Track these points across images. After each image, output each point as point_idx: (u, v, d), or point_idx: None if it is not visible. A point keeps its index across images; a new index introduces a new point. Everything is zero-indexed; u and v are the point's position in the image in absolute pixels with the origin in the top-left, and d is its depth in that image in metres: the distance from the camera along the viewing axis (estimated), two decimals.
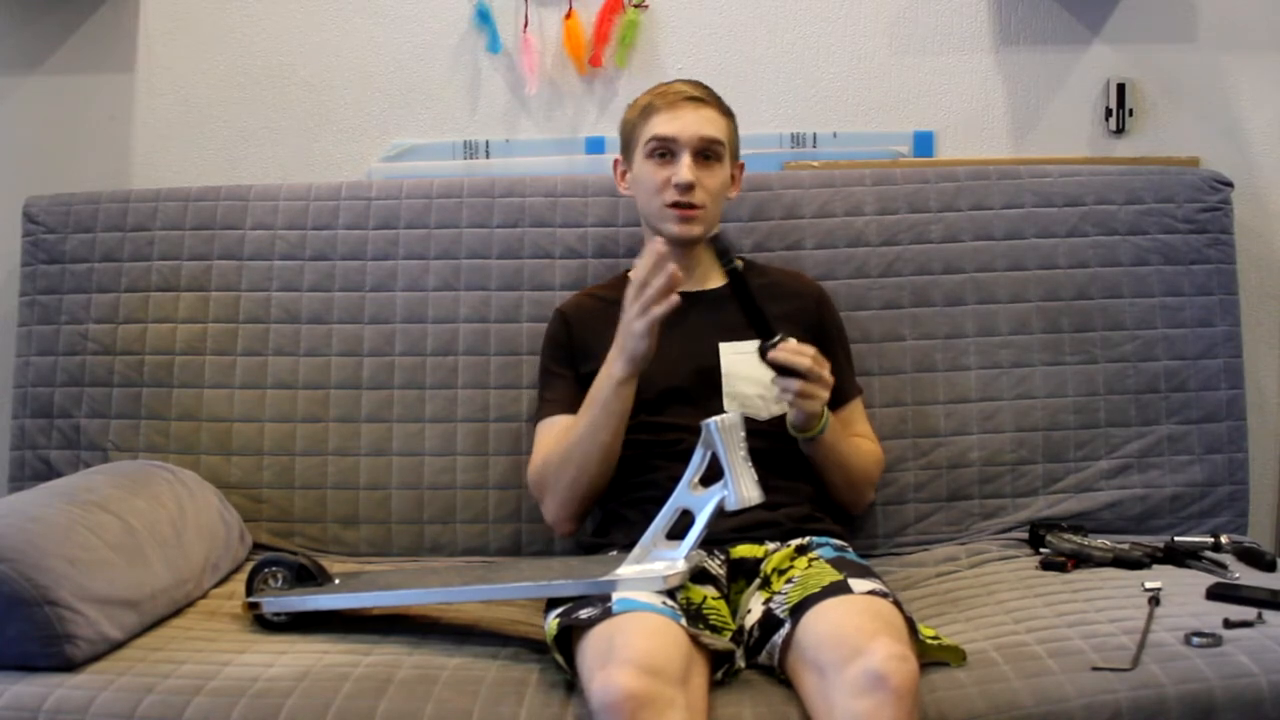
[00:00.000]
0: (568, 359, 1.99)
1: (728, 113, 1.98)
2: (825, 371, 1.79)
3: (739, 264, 1.81)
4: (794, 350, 1.76)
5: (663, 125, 1.92)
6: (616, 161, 2.05)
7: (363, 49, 2.45)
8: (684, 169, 1.90)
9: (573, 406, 1.92)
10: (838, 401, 1.98)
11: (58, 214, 2.29)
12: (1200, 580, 1.79)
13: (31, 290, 2.27)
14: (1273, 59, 2.37)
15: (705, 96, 1.96)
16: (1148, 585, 1.77)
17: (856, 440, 1.98)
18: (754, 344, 1.83)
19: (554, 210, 2.24)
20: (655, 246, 1.76)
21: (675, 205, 1.92)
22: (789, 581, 1.66)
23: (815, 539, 1.80)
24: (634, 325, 1.77)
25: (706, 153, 1.93)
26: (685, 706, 1.43)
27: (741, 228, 2.21)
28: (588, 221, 2.24)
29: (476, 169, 2.43)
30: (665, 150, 1.92)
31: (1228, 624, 1.60)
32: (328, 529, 2.19)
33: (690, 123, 1.92)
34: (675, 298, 1.75)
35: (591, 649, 1.51)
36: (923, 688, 1.50)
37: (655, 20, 2.42)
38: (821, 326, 2.01)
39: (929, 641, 1.56)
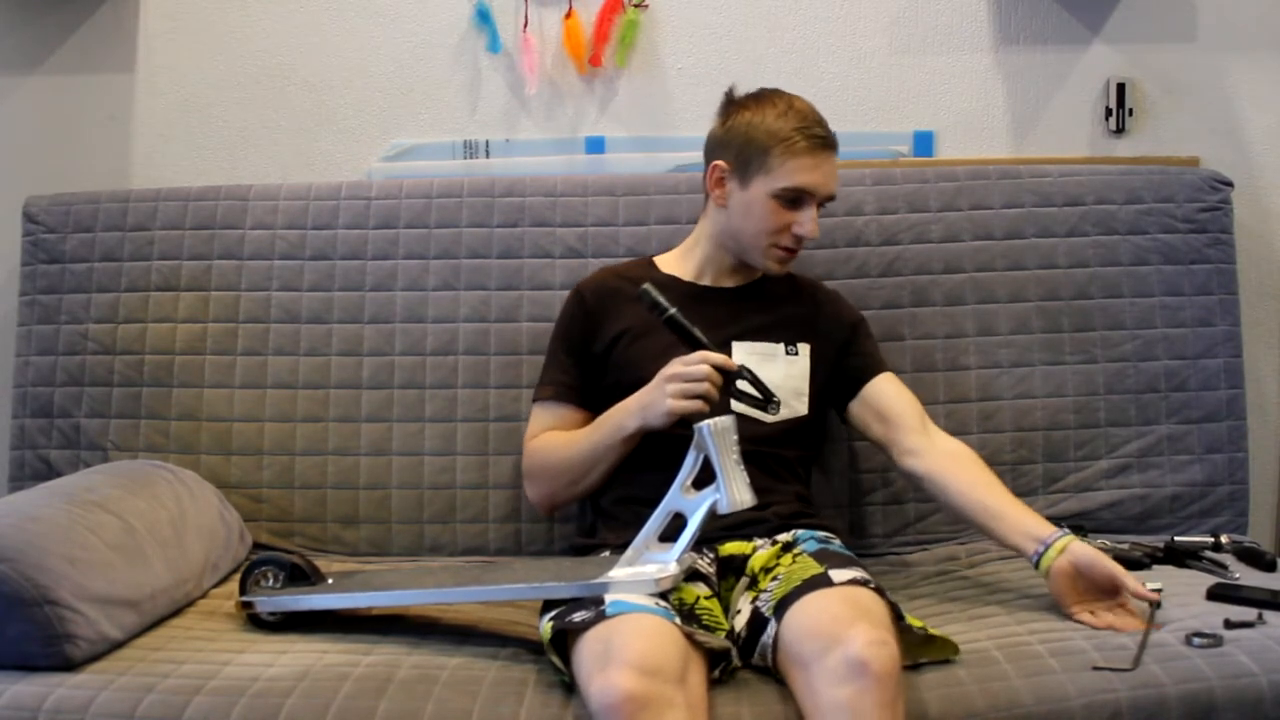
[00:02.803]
0: (578, 341, 1.98)
1: None
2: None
3: (672, 311, 1.73)
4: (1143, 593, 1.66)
5: (806, 175, 1.85)
6: (718, 167, 1.92)
7: (362, 49, 2.45)
8: (811, 223, 1.87)
9: (570, 394, 1.96)
10: (870, 373, 1.96)
11: (58, 214, 2.29)
12: (1200, 580, 1.79)
13: (31, 290, 2.27)
14: (1273, 59, 2.37)
15: (833, 139, 1.90)
16: (1148, 585, 1.77)
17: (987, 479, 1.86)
18: (768, 346, 1.88)
19: (554, 210, 2.24)
20: (728, 362, 1.72)
21: (785, 249, 1.90)
22: (774, 579, 1.66)
23: (801, 533, 1.80)
24: (667, 403, 1.74)
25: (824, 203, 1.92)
26: (685, 706, 1.43)
27: None
28: (588, 221, 2.24)
29: (476, 169, 2.43)
30: (797, 197, 1.87)
31: (1228, 624, 1.60)
32: (328, 529, 2.19)
33: (829, 178, 1.87)
34: (706, 408, 1.71)
35: (588, 652, 1.51)
36: (922, 686, 1.50)
37: (655, 20, 2.42)
38: (846, 324, 2.00)
39: (917, 631, 1.56)
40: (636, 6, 2.39)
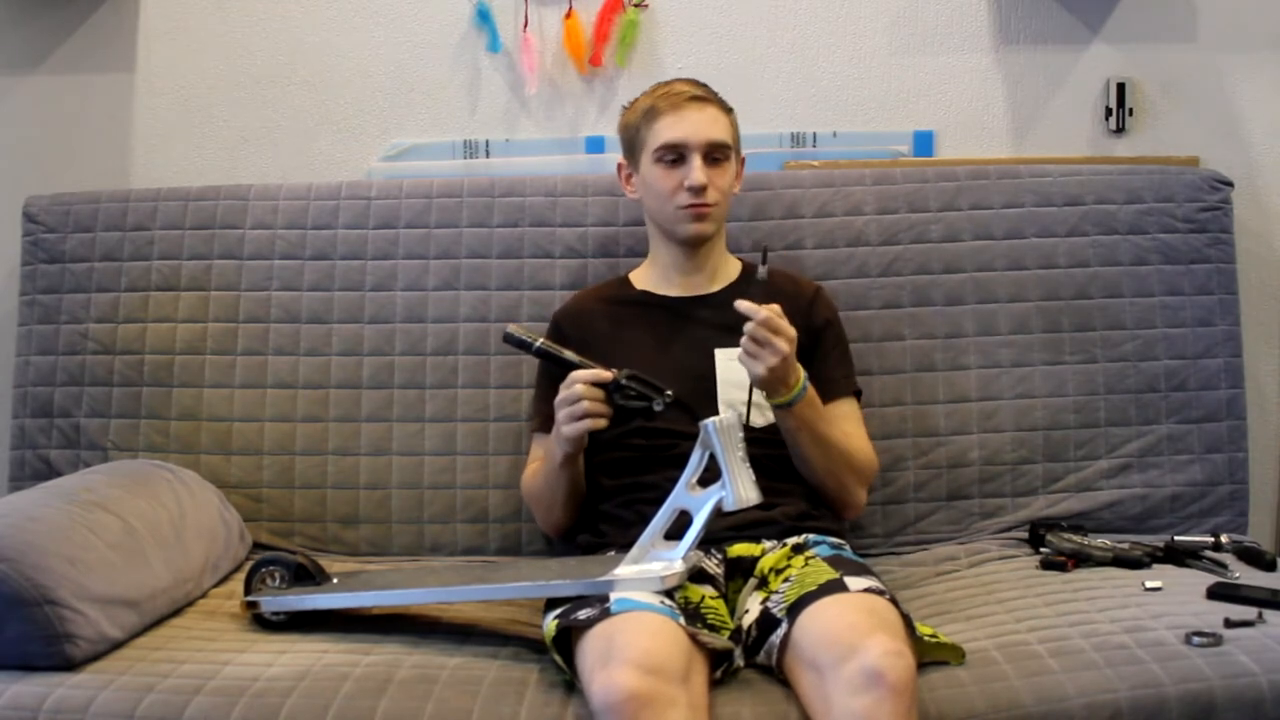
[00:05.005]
0: (557, 371, 1.98)
1: (728, 109, 1.97)
2: (777, 340, 1.72)
3: (539, 343, 1.80)
4: (749, 307, 1.74)
5: (670, 130, 1.91)
6: (620, 165, 2.03)
7: (362, 49, 2.45)
8: (696, 171, 1.89)
9: (551, 424, 1.95)
10: (824, 397, 1.96)
11: (58, 214, 2.29)
12: (1200, 580, 1.79)
13: (31, 290, 2.27)
14: (1273, 59, 2.37)
15: (706, 95, 1.95)
16: (1148, 585, 1.77)
17: (844, 431, 1.93)
18: None
19: (554, 210, 2.25)
20: (600, 374, 1.76)
21: (689, 206, 1.91)
22: (786, 580, 1.66)
23: (812, 537, 1.80)
24: (563, 429, 1.79)
25: (714, 155, 1.92)
26: (687, 705, 1.43)
27: (742, 227, 2.20)
28: (588, 221, 2.24)
29: (476, 169, 2.43)
30: (675, 154, 1.91)
31: (1228, 624, 1.60)
32: (328, 529, 2.19)
33: (697, 126, 1.91)
34: (599, 422, 1.76)
35: (591, 649, 1.51)
36: (923, 687, 1.50)
37: (655, 20, 2.42)
38: (811, 325, 1.97)
39: (927, 639, 1.56)
40: (636, 6, 2.40)
